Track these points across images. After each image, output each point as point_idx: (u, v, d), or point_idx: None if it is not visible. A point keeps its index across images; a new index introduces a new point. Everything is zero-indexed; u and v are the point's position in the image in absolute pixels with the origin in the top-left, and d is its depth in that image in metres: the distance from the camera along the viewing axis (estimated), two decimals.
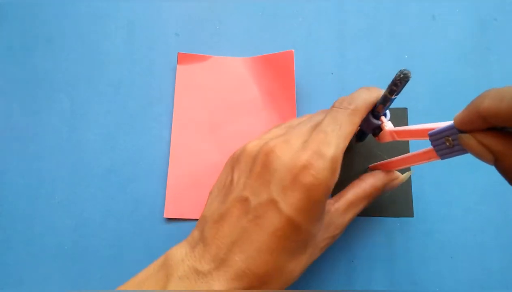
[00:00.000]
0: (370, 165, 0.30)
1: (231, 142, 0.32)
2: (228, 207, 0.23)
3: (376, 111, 0.24)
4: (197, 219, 0.29)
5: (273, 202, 0.21)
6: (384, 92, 0.22)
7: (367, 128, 0.26)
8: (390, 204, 0.30)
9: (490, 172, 0.31)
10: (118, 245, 0.31)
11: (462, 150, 0.18)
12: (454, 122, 0.17)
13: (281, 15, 0.35)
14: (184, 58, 0.34)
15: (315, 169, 0.21)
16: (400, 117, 0.30)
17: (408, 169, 0.29)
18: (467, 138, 0.16)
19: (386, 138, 0.25)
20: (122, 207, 0.32)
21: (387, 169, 0.28)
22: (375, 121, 0.25)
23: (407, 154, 0.24)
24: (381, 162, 0.28)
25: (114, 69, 0.34)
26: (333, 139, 0.22)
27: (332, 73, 0.33)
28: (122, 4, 0.35)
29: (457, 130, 0.17)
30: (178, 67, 0.34)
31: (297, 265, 0.22)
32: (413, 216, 0.30)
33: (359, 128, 0.28)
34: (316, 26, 0.34)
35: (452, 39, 0.33)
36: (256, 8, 0.35)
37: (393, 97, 0.22)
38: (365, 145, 0.31)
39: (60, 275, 0.31)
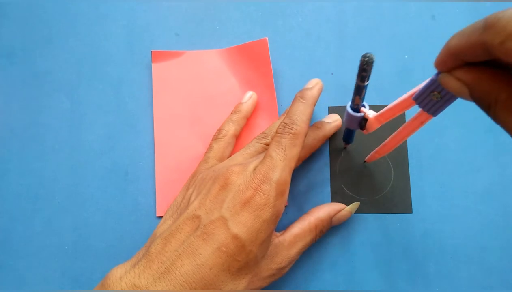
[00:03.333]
0: (366, 158, 0.30)
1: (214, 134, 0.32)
2: (179, 224, 0.24)
3: (354, 104, 0.25)
4: None
5: (222, 220, 0.23)
6: (356, 83, 0.23)
7: (353, 124, 0.27)
8: (389, 201, 0.30)
9: (490, 172, 0.31)
10: (118, 245, 0.31)
11: (451, 98, 0.19)
12: (434, 65, 0.18)
13: (281, 15, 0.35)
14: (158, 56, 0.34)
15: (263, 191, 0.23)
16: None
17: (355, 200, 0.31)
18: (445, 76, 0.18)
19: (373, 125, 0.26)
20: (122, 207, 0.32)
21: (383, 153, 0.28)
22: (358, 114, 0.25)
23: (398, 130, 0.25)
24: (376, 149, 0.28)
25: (114, 69, 0.34)
26: (278, 164, 0.24)
27: (332, 73, 0.33)
28: (122, 4, 0.35)
29: (438, 80, 0.18)
30: (153, 65, 0.34)
31: (235, 287, 0.23)
32: (412, 212, 0.30)
33: (346, 129, 0.28)
34: (316, 26, 0.34)
35: None
36: (256, 8, 0.35)
37: (365, 84, 0.23)
38: (359, 142, 0.31)
39: (60, 275, 0.31)
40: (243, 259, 0.23)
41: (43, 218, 0.32)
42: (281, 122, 0.26)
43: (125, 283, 0.22)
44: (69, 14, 0.35)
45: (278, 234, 0.27)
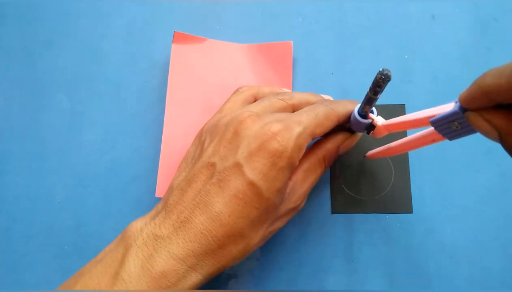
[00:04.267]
0: (367, 153, 0.30)
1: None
2: (194, 173, 0.23)
3: (363, 111, 0.25)
4: None
5: (238, 166, 0.22)
6: (368, 94, 0.22)
7: (360, 129, 0.26)
8: (389, 201, 0.30)
9: (490, 172, 0.31)
10: None
11: (471, 131, 0.18)
12: (459, 100, 0.17)
13: (281, 15, 0.35)
14: (180, 38, 0.33)
15: (281, 137, 0.22)
16: (398, 114, 0.30)
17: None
18: (474, 116, 0.17)
19: (381, 133, 0.25)
20: (122, 207, 0.32)
21: (387, 155, 0.27)
22: (365, 121, 0.25)
23: (408, 138, 0.24)
24: (379, 148, 0.28)
25: (114, 69, 0.34)
26: (305, 121, 0.23)
27: (332, 73, 0.33)
28: (122, 4, 0.35)
29: (462, 113, 0.17)
30: (173, 46, 0.33)
31: (256, 233, 0.23)
32: (412, 212, 0.30)
33: (349, 127, 0.28)
34: (316, 26, 0.34)
35: (452, 39, 0.33)
36: (256, 8, 0.35)
37: (377, 97, 0.22)
38: (360, 140, 0.31)
39: (60, 275, 0.31)
40: (262, 206, 0.22)
41: (43, 218, 0.32)
42: (322, 98, 0.25)
43: (146, 233, 0.22)
44: (69, 14, 0.35)
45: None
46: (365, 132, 0.27)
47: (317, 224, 0.31)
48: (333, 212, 0.31)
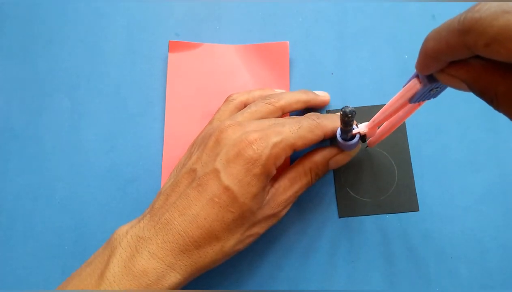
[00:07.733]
0: (367, 142, 0.30)
1: None
2: (179, 179, 0.25)
3: (347, 138, 0.26)
4: None
5: (215, 172, 0.23)
6: (341, 128, 0.24)
7: (353, 147, 0.27)
8: (395, 201, 0.30)
9: (490, 172, 0.31)
10: None
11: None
12: (416, 69, 0.18)
13: (281, 15, 0.35)
14: (175, 46, 0.34)
15: (257, 146, 0.23)
16: None
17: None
18: (441, 76, 0.17)
19: (372, 133, 0.26)
20: (122, 207, 0.32)
21: (386, 135, 0.27)
22: (353, 142, 0.26)
23: (398, 115, 0.24)
24: (377, 134, 0.28)
25: (114, 69, 0.34)
26: (285, 133, 0.24)
27: (332, 73, 0.33)
28: (122, 4, 0.35)
29: (434, 80, 0.18)
30: (170, 55, 0.34)
31: (231, 237, 0.24)
32: (418, 210, 0.30)
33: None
34: (316, 26, 0.34)
35: None
36: (256, 8, 0.35)
37: (351, 127, 0.24)
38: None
39: (60, 275, 0.31)
40: (237, 210, 0.23)
41: (43, 218, 0.32)
42: (314, 95, 0.27)
43: (131, 235, 0.23)
44: (69, 14, 0.35)
45: (272, 181, 0.26)
46: (362, 143, 0.27)
47: (322, 228, 0.31)
48: (340, 216, 0.31)
